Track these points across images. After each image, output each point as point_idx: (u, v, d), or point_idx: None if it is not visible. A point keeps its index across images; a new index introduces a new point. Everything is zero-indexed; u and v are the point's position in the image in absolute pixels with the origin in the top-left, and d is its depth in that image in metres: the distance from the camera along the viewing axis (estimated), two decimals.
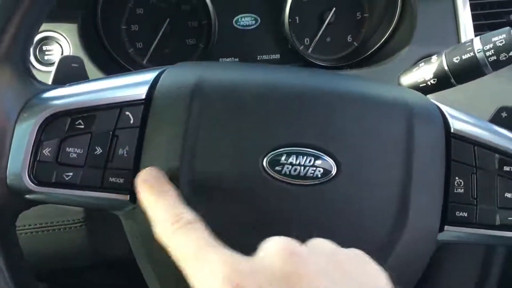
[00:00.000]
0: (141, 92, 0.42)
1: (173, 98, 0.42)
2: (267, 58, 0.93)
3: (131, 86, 0.43)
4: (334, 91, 0.44)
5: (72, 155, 0.40)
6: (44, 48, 0.75)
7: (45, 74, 0.74)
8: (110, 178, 0.41)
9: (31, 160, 0.40)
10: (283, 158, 0.40)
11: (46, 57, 0.75)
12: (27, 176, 0.40)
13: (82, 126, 0.41)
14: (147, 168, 0.39)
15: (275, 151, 0.40)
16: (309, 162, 0.40)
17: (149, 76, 0.44)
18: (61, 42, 0.75)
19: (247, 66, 0.50)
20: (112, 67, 0.82)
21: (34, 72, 0.77)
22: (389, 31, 0.84)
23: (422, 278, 0.74)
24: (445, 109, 0.45)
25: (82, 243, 0.66)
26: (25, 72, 0.43)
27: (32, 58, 0.75)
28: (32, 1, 0.40)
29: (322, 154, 0.41)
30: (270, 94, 0.42)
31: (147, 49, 0.88)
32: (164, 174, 0.39)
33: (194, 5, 0.89)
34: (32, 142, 0.40)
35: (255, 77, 0.45)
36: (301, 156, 0.40)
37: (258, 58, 0.93)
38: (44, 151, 0.40)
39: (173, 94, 0.42)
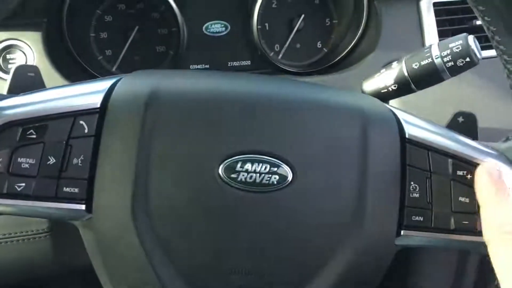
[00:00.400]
0: (95, 101, 0.42)
1: (128, 107, 0.42)
2: (237, 64, 0.94)
3: (86, 94, 0.43)
4: (289, 97, 0.44)
5: (24, 165, 0.40)
6: (7, 56, 0.75)
7: None
8: (65, 188, 0.40)
9: None
10: (238, 165, 0.40)
11: (9, 66, 0.74)
12: None
13: (34, 136, 0.40)
14: (492, 161, 0.42)
15: (230, 159, 0.40)
16: (265, 169, 0.41)
17: (105, 84, 0.43)
18: (25, 50, 0.74)
19: (204, 74, 0.50)
20: (79, 75, 0.81)
21: None
22: (356, 37, 0.85)
23: (395, 284, 0.75)
24: (400, 115, 0.46)
25: (47, 253, 0.65)
26: None
27: None
28: None
29: (277, 161, 0.41)
30: (225, 101, 0.42)
31: (117, 57, 0.88)
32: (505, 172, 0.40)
33: (163, 12, 0.89)
34: None
35: (210, 85, 0.44)
36: (257, 163, 0.41)
37: (229, 65, 0.94)
38: None
39: (128, 102, 0.42)
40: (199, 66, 0.93)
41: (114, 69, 0.89)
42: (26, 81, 0.48)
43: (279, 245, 0.41)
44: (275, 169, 0.41)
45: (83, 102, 0.42)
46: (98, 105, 0.42)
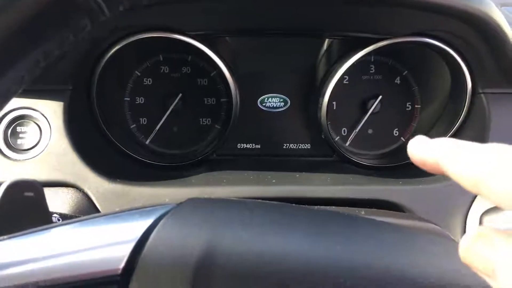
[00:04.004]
0: (117, 261, 0.26)
1: (164, 279, 0.26)
2: (294, 147, 0.78)
3: (104, 247, 0.27)
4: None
5: None
6: (18, 129, 0.60)
7: (15, 163, 0.58)
8: None
9: None
10: None
11: (18, 141, 0.59)
12: None
13: None
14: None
15: None
16: None
17: (134, 232, 0.28)
18: (40, 122, 0.59)
19: (271, 225, 0.33)
20: (102, 153, 0.66)
21: (2, 160, 0.62)
22: (450, 132, 0.67)
23: None
24: None
25: None
26: None
27: (1, 142, 0.59)
28: None
29: None
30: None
31: (152, 127, 0.73)
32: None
33: (213, 79, 0.74)
34: None
35: (278, 248, 0.29)
36: None
37: (284, 147, 0.78)
38: None
39: (165, 270, 0.26)
40: (248, 146, 0.77)
41: (147, 141, 0.74)
42: (21, 203, 0.32)
43: None
44: None
45: (101, 258, 0.26)
46: (120, 272, 0.26)
